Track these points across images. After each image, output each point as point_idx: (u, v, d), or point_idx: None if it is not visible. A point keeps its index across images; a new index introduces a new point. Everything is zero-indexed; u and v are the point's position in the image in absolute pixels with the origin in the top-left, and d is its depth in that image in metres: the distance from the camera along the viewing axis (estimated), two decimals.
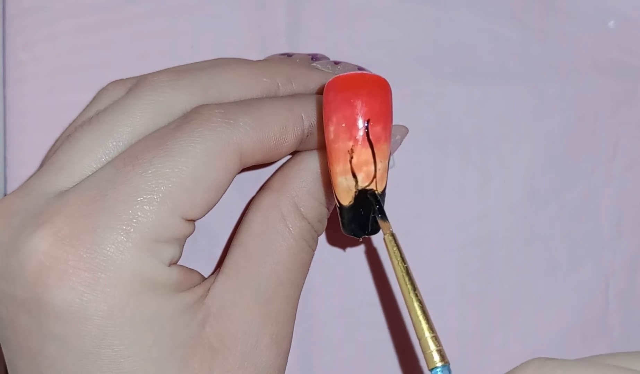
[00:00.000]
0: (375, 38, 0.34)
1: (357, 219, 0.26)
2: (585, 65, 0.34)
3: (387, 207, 0.32)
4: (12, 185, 0.33)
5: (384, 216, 0.25)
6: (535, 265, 0.34)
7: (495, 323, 0.33)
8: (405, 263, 0.24)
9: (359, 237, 0.27)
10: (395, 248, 0.24)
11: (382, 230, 0.25)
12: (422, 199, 0.33)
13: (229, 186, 0.25)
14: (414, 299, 0.23)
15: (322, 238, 0.33)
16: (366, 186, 0.25)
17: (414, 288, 0.23)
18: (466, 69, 0.34)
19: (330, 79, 0.25)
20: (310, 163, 0.28)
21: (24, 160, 0.33)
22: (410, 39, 0.34)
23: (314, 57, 0.31)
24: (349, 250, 0.33)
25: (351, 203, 0.25)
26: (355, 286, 0.33)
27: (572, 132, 0.34)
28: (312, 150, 0.28)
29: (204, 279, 0.27)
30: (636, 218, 0.34)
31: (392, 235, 0.25)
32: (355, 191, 0.25)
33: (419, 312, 0.23)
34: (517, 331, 0.33)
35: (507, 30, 0.34)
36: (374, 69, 0.32)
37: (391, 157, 0.32)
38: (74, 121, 0.28)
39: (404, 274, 0.24)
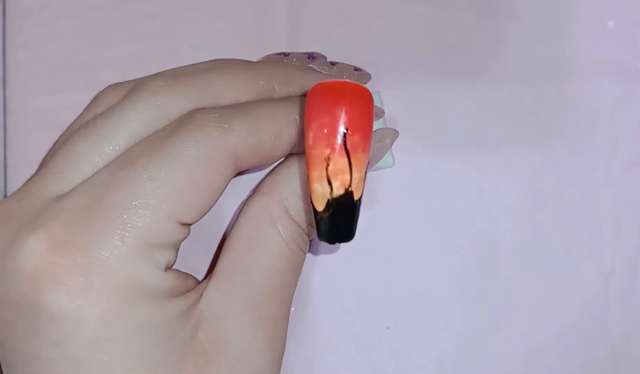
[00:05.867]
0: (375, 38, 0.33)
1: (332, 226, 0.25)
2: (585, 65, 0.34)
3: (387, 207, 0.32)
4: (12, 185, 0.33)
5: None
6: (535, 265, 0.33)
7: (495, 323, 0.33)
8: None
9: (333, 244, 0.26)
10: None
11: None
12: (422, 199, 0.33)
13: (224, 190, 0.25)
14: None
15: None
16: (341, 194, 0.25)
17: None
18: (466, 69, 0.33)
19: (313, 85, 0.25)
20: (300, 167, 0.28)
21: (24, 160, 0.33)
22: (410, 39, 0.33)
23: (311, 56, 0.31)
24: (347, 250, 0.33)
25: (325, 209, 0.25)
26: (355, 286, 0.33)
27: (572, 132, 0.34)
28: (302, 153, 0.28)
29: (199, 283, 0.27)
30: (636, 218, 0.34)
31: None
32: (330, 199, 0.25)
33: None
34: (517, 331, 0.33)
35: (507, 30, 0.34)
36: (374, 69, 0.32)
37: (391, 157, 0.32)
38: (71, 124, 0.28)
39: None
